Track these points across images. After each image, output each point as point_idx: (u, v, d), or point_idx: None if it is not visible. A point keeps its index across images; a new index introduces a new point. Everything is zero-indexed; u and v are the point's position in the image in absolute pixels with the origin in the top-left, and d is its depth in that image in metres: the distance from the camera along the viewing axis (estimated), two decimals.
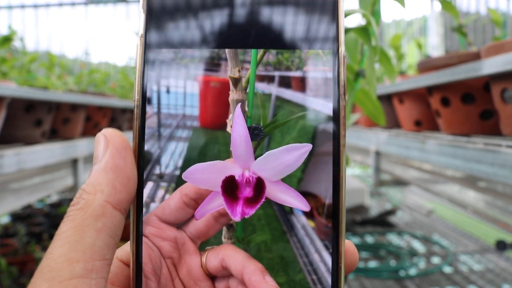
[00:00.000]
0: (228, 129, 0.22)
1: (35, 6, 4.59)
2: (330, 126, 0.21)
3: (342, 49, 0.21)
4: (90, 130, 1.71)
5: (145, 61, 0.21)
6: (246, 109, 0.22)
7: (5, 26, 4.94)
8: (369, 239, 1.24)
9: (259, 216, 0.22)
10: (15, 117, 1.12)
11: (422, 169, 2.52)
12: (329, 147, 0.21)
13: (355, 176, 2.54)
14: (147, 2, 0.21)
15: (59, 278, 0.17)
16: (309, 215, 0.22)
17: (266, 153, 0.21)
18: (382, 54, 0.58)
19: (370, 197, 1.79)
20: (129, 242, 0.22)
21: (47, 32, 4.84)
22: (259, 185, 0.21)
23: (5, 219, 1.99)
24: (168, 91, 0.22)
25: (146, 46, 0.21)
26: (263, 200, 0.21)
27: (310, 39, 0.21)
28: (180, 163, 0.22)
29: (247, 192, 0.21)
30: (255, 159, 0.21)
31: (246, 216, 0.21)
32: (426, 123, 1.12)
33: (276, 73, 0.22)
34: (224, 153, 0.22)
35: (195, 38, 0.21)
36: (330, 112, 0.21)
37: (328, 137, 0.21)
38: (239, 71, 0.22)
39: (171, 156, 0.22)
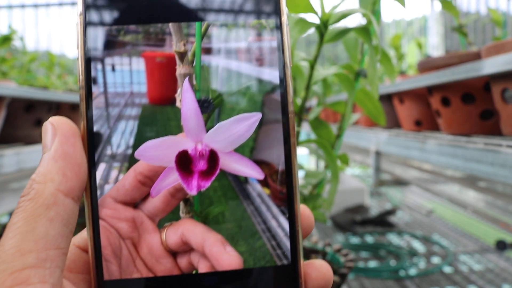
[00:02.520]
0: (178, 103, 0.22)
1: (35, 6, 4.59)
2: (277, 95, 0.21)
3: (284, 18, 0.21)
4: None
5: (86, 40, 0.21)
6: (194, 82, 0.22)
7: (5, 25, 4.93)
8: (369, 239, 1.24)
9: (215, 188, 0.22)
10: (15, 117, 1.11)
11: (422, 169, 2.52)
12: (278, 115, 0.21)
13: (355, 176, 2.54)
14: None
15: (10, 269, 0.17)
16: (263, 182, 0.22)
17: (217, 125, 0.21)
18: (383, 54, 0.58)
19: (370, 197, 1.79)
20: (86, 228, 0.22)
21: (47, 32, 4.84)
22: (212, 157, 0.21)
23: (5, 219, 1.99)
24: (113, 69, 0.22)
25: (87, 24, 0.21)
26: (218, 172, 0.21)
27: (253, 9, 0.22)
28: (131, 141, 0.22)
29: (201, 165, 0.21)
30: (207, 131, 0.21)
31: (202, 189, 0.21)
32: (426, 123, 1.12)
33: (222, 45, 0.22)
34: (175, 128, 0.22)
35: (137, 14, 0.21)
36: (277, 80, 0.21)
37: (276, 105, 0.21)
38: (184, 45, 0.22)
39: (121, 136, 0.22)
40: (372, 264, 1.05)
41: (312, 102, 1.31)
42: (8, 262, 0.17)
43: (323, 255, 0.64)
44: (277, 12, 0.21)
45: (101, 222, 0.21)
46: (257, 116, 0.21)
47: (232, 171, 0.22)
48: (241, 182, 0.22)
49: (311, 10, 0.47)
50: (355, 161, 3.16)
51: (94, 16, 0.21)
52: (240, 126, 0.21)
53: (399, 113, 1.22)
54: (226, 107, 0.22)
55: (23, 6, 4.57)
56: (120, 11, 0.21)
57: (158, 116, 0.22)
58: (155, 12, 0.21)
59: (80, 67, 0.21)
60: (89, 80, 0.21)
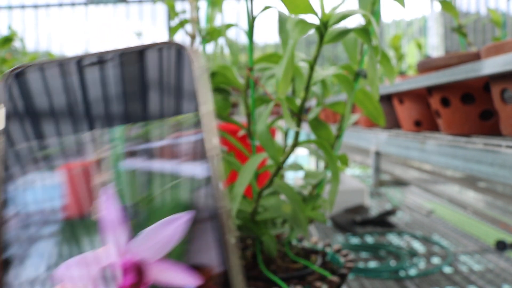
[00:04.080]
0: (98, 214, 0.21)
1: (35, 6, 4.59)
2: (207, 190, 0.20)
3: (203, 108, 0.21)
4: None
5: (4, 158, 0.20)
6: (116, 189, 0.21)
7: (5, 26, 4.94)
8: (369, 239, 1.24)
9: None
10: None
11: (422, 170, 2.52)
12: (209, 211, 0.20)
13: (355, 177, 2.55)
14: (8, 97, 0.21)
15: None
16: None
17: (143, 232, 0.20)
18: (382, 55, 0.58)
19: (370, 198, 1.79)
20: None
21: (47, 32, 4.84)
22: (141, 269, 0.19)
23: None
24: (26, 188, 0.21)
25: (7, 143, 0.20)
26: (147, 286, 0.19)
27: (171, 105, 0.21)
28: (50, 262, 0.20)
29: (129, 279, 0.19)
30: (132, 240, 0.20)
31: None
32: (426, 123, 1.12)
33: (142, 146, 0.21)
34: (98, 242, 0.20)
35: (51, 127, 0.21)
36: (204, 174, 0.20)
37: (207, 201, 0.20)
38: (102, 151, 0.21)
39: (38, 257, 0.20)
40: (372, 264, 1.05)
41: (312, 102, 1.31)
42: None
43: (322, 255, 0.64)
44: (196, 105, 0.21)
45: None
46: (186, 217, 0.20)
47: (165, 282, 0.19)
48: None
49: (311, 11, 0.47)
50: (355, 161, 3.16)
51: (13, 134, 0.21)
52: (168, 229, 0.19)
53: (398, 113, 1.22)
54: (153, 212, 0.20)
55: (23, 6, 4.57)
56: (33, 126, 0.21)
57: (78, 232, 0.20)
58: (69, 122, 0.21)
59: None
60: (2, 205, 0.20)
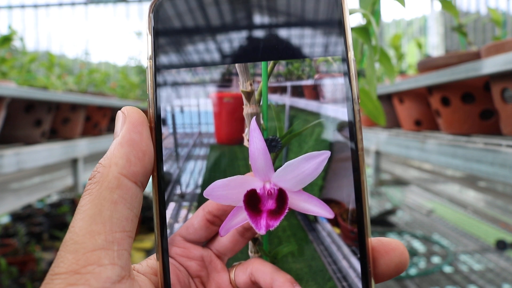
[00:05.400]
0: (245, 143, 0.22)
1: (35, 6, 4.59)
2: (346, 131, 0.21)
3: (351, 54, 0.21)
4: (90, 130, 1.71)
5: (156, 83, 0.21)
6: (262, 121, 0.22)
7: (5, 26, 4.94)
8: None
9: (284, 227, 0.22)
10: (15, 117, 1.11)
11: (422, 169, 2.52)
12: (347, 152, 0.21)
13: None
14: (154, 24, 0.21)
15: (82, 250, 0.18)
16: (333, 222, 0.21)
17: (285, 163, 0.21)
18: (382, 54, 0.58)
19: (370, 197, 1.79)
20: (152, 256, 0.22)
21: (47, 32, 4.84)
22: (281, 196, 0.21)
23: (5, 219, 1.99)
24: (182, 111, 0.22)
25: (156, 68, 0.21)
26: (287, 211, 0.21)
27: (318, 46, 0.21)
28: (200, 181, 0.22)
29: (270, 204, 0.21)
30: (275, 171, 0.21)
31: (271, 229, 0.21)
32: (426, 122, 1.12)
33: (288, 83, 0.22)
34: (244, 168, 0.22)
35: (204, 56, 0.22)
36: (345, 117, 0.21)
37: (345, 143, 0.21)
38: (250, 84, 0.22)
39: (190, 175, 0.22)
40: None
41: None
42: (80, 243, 0.18)
43: None
44: (343, 48, 0.21)
45: (171, 260, 0.21)
46: (325, 154, 0.21)
47: (301, 210, 0.21)
48: (311, 221, 0.22)
49: None
50: None
51: (162, 59, 0.21)
52: (308, 164, 0.21)
53: (399, 113, 1.22)
54: (294, 146, 0.22)
55: (23, 6, 4.57)
56: (186, 53, 0.22)
57: (226, 156, 0.22)
58: (222, 53, 0.22)
59: (150, 110, 0.21)
60: (159, 122, 0.21)
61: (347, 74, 0.21)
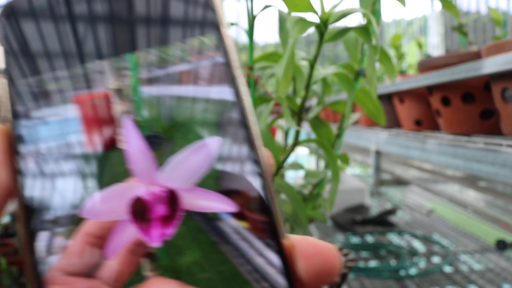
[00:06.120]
0: (121, 145, 0.19)
1: None
2: (234, 111, 0.18)
3: (224, 30, 0.19)
4: None
5: (12, 97, 0.19)
6: (137, 118, 0.20)
7: None
8: (369, 238, 1.24)
9: (181, 233, 0.18)
10: None
11: (422, 169, 2.52)
12: (240, 134, 0.18)
13: (355, 176, 2.54)
14: (3, 37, 0.19)
15: None
16: (238, 215, 0.18)
17: (170, 159, 0.18)
18: (382, 54, 0.58)
19: (370, 197, 1.79)
20: None
21: None
22: (172, 198, 0.18)
23: (5, 219, 1.99)
24: (45, 123, 0.19)
25: (10, 81, 0.19)
26: (182, 214, 0.18)
27: (188, 26, 0.19)
28: (76, 199, 0.19)
29: (160, 210, 0.18)
30: (160, 170, 0.19)
31: (167, 238, 0.18)
32: (427, 122, 1.12)
33: (161, 72, 0.19)
34: (123, 174, 0.19)
35: (61, 59, 0.19)
36: (231, 98, 0.18)
37: (236, 125, 0.18)
38: (119, 80, 0.19)
39: (62, 195, 0.19)
40: (373, 263, 1.05)
41: (312, 102, 1.31)
42: None
43: None
44: (215, 24, 0.19)
45: None
46: (215, 141, 0.18)
47: (199, 209, 0.18)
48: (211, 220, 0.19)
49: (311, 9, 0.47)
50: (355, 160, 3.16)
51: (16, 70, 0.19)
52: (197, 156, 0.18)
53: (399, 112, 1.22)
54: (179, 139, 0.19)
55: None
56: (43, 58, 0.19)
57: (101, 164, 0.19)
58: (81, 51, 0.19)
59: (7, 128, 0.19)
60: (17, 139, 0.19)
61: (223, 49, 0.19)
